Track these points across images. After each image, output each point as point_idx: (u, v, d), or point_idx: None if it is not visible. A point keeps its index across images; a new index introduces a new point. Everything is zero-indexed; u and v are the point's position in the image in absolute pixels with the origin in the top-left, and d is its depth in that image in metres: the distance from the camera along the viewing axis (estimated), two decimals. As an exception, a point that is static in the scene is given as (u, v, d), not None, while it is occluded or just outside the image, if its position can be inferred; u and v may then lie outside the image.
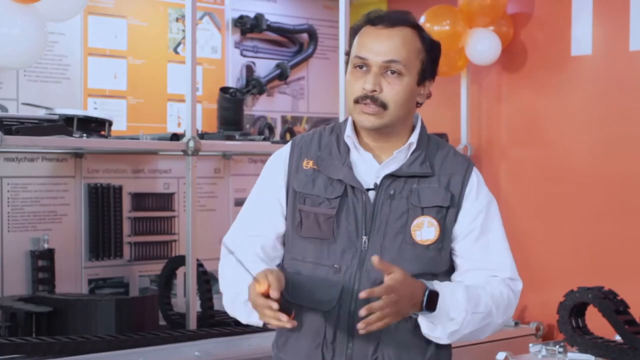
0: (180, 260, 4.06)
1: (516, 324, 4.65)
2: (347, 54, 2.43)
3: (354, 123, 2.42)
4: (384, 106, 2.33)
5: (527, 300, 4.81)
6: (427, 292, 2.24)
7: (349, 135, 2.40)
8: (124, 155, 4.30)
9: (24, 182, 4.00)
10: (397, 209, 2.34)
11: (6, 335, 3.53)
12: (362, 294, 2.15)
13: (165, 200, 4.42)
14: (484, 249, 2.41)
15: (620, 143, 4.50)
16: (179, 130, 4.31)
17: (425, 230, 2.35)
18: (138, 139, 4.07)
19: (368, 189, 2.35)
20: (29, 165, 4.02)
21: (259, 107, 4.97)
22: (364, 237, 2.33)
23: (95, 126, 3.94)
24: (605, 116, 4.57)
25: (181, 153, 3.97)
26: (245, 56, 4.94)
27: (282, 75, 5.03)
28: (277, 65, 5.02)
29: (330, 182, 2.36)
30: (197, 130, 4.08)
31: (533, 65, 4.86)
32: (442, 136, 4.93)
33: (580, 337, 3.77)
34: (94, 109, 4.32)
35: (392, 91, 2.33)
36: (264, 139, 4.45)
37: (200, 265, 3.95)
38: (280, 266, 2.42)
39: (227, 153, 4.63)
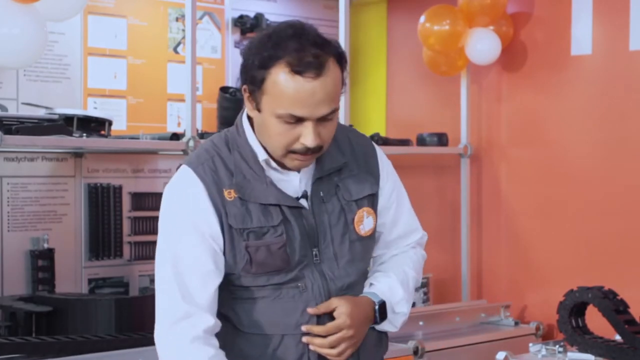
0: (180, 260, 4.05)
1: (516, 323, 4.65)
2: (252, 84, 2.16)
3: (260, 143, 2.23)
4: (321, 148, 2.20)
5: (527, 300, 4.82)
6: (377, 307, 2.30)
7: (265, 159, 2.23)
8: (124, 155, 4.30)
9: (24, 182, 4.00)
10: (332, 210, 2.29)
11: (6, 335, 3.52)
12: (304, 328, 2.23)
13: (165, 200, 4.41)
14: (399, 221, 2.45)
15: (620, 143, 4.50)
16: (179, 130, 4.30)
17: (365, 221, 2.33)
18: (138, 138, 4.07)
19: (298, 199, 2.26)
20: (29, 165, 4.02)
21: (258, 107, 4.96)
22: (314, 250, 2.26)
23: (95, 126, 3.94)
24: (605, 116, 4.57)
25: (181, 153, 3.97)
26: (245, 56, 4.93)
27: (281, 75, 5.01)
28: (277, 65, 5.01)
29: (264, 208, 2.20)
30: (197, 130, 4.08)
31: (533, 64, 4.86)
32: (442, 136, 4.93)
33: (580, 336, 3.77)
34: (94, 109, 4.32)
35: (329, 133, 2.19)
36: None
37: (200, 265, 3.94)
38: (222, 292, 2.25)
39: (227, 152, 4.62)
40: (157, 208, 4.42)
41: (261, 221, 2.20)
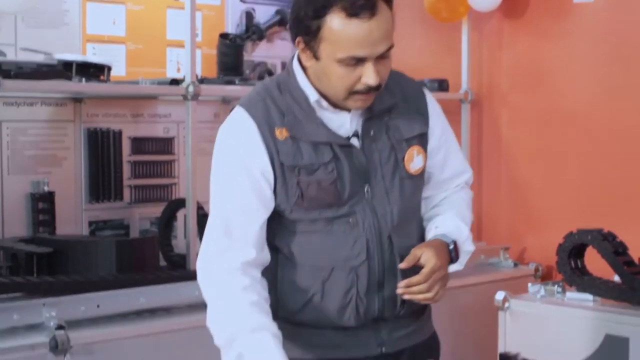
0: (180, 203, 4.06)
1: (515, 265, 4.67)
2: (307, 34, 2.21)
3: (312, 84, 2.29)
4: (379, 87, 2.26)
5: (527, 242, 4.83)
6: (451, 248, 2.36)
7: (317, 100, 2.29)
8: (124, 100, 4.29)
9: (24, 127, 3.99)
10: (383, 148, 2.34)
11: (7, 275, 3.54)
12: (402, 284, 2.30)
13: (165, 144, 4.41)
14: (449, 161, 2.51)
15: (621, 89, 4.49)
16: (179, 76, 4.29)
17: (415, 159, 2.38)
18: (137, 84, 4.06)
19: (349, 138, 2.31)
20: (28, 109, 4.01)
21: (258, 52, 4.96)
22: (366, 186, 2.32)
23: (94, 71, 3.93)
24: (606, 62, 4.55)
25: (181, 98, 3.96)
26: (245, 2, 4.92)
27: (282, 22, 5.01)
28: (277, 12, 5.00)
29: (314, 146, 2.27)
30: (197, 76, 4.06)
31: (535, 11, 4.84)
32: (443, 82, 4.93)
33: (579, 277, 3.78)
34: (93, 55, 4.31)
35: (386, 71, 2.27)
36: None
37: (200, 207, 3.95)
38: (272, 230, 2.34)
39: (227, 98, 4.62)
40: (157, 152, 4.48)
41: (312, 158, 2.26)
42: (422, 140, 2.40)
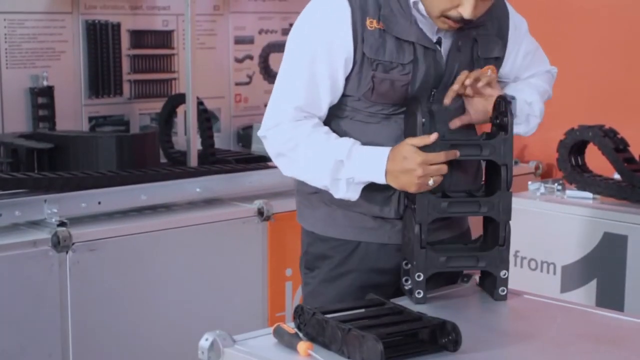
0: (181, 98, 4.04)
1: (515, 162, 4.67)
2: None
3: None
4: (471, 22, 2.30)
5: (527, 139, 4.80)
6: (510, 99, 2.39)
7: (415, 2, 2.31)
8: (122, -9, 4.23)
9: (21, 18, 3.93)
10: (463, 61, 2.38)
11: (8, 171, 3.54)
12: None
13: (164, 38, 4.35)
14: (532, 61, 2.63)
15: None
16: (178, -36, 4.21)
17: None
18: (136, -26, 3.99)
19: (437, 43, 2.35)
20: (25, 0, 3.95)
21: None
22: (434, 91, 2.36)
23: (91, -38, 3.86)
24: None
25: (180, -11, 3.90)
26: None
27: None
28: None
29: (399, 44, 2.30)
30: (196, -32, 3.99)
31: None
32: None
33: (579, 174, 3.79)
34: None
35: (484, 9, 2.29)
36: None
37: (200, 103, 3.93)
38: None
39: (227, -11, 4.55)
40: (157, 46, 4.43)
41: (393, 56, 2.30)
42: (497, 62, 2.46)
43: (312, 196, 2.48)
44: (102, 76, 4.12)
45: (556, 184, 3.89)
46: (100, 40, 4.12)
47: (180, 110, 4.11)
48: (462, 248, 2.44)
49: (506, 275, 2.34)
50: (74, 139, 3.69)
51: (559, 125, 3.95)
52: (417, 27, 2.31)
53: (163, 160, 4.03)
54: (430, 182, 2.24)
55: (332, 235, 2.47)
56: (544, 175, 4.62)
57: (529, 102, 2.49)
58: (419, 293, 2.31)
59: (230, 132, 4.59)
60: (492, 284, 2.37)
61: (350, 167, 2.29)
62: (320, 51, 2.31)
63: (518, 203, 3.78)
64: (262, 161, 3.97)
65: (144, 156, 3.73)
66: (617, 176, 3.75)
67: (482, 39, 2.40)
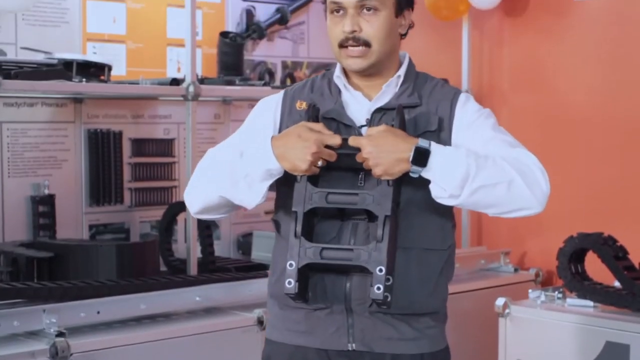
0: (181, 206, 4.04)
1: (516, 270, 4.67)
2: (324, 1, 2.44)
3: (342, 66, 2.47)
4: (367, 44, 2.37)
5: (527, 246, 4.83)
6: (414, 148, 2.25)
7: (338, 76, 2.45)
8: (124, 101, 4.28)
9: (24, 128, 3.98)
10: None
11: (8, 280, 3.53)
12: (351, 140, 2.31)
13: (165, 146, 4.40)
14: (484, 146, 2.39)
15: (622, 87, 4.49)
16: (179, 75, 4.27)
17: None
18: (138, 83, 4.04)
19: (361, 126, 2.39)
20: (28, 110, 4.00)
21: (259, 52, 4.94)
22: (361, 173, 2.34)
23: (94, 71, 3.92)
24: (606, 61, 4.55)
25: (181, 98, 3.95)
26: (245, 0, 4.89)
27: (282, 20, 4.99)
28: (277, 10, 4.98)
29: (324, 121, 2.38)
30: (197, 75, 4.05)
31: (535, 9, 4.82)
32: (443, 81, 4.90)
33: (579, 282, 3.79)
34: (93, 54, 4.29)
35: (372, 28, 2.37)
36: (264, 84, 4.43)
37: (200, 211, 3.94)
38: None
39: (227, 98, 4.61)
40: (158, 154, 4.49)
41: None
42: (431, 137, 2.35)
43: (269, 300, 2.52)
44: (103, 184, 4.15)
45: (556, 292, 3.88)
46: (102, 148, 4.16)
47: (180, 218, 4.13)
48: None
49: (383, 272, 2.20)
50: (74, 248, 3.70)
51: (558, 232, 3.96)
52: (341, 107, 2.41)
53: (163, 268, 4.02)
54: (320, 162, 2.28)
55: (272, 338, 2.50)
56: (544, 282, 4.61)
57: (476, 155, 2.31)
58: (289, 282, 2.26)
59: (230, 240, 4.60)
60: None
61: (243, 164, 2.33)
62: (248, 130, 2.51)
63: (519, 311, 3.81)
64: (262, 269, 3.97)
65: (143, 265, 3.74)
66: (617, 284, 3.75)
67: (413, 119, 2.39)
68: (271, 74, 4.90)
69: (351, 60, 2.39)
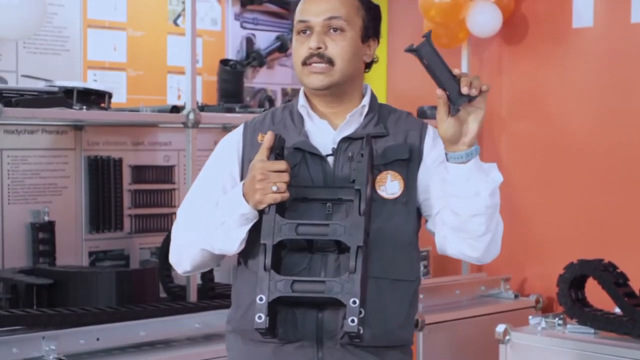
0: (181, 233, 4.05)
1: (516, 296, 4.67)
2: (291, 24, 2.45)
3: (305, 94, 2.45)
4: (330, 62, 2.36)
5: (527, 272, 4.83)
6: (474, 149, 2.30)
7: (302, 105, 2.43)
8: (124, 128, 4.29)
9: (24, 155, 3.99)
10: (359, 167, 2.29)
11: (7, 307, 3.53)
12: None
13: (165, 173, 4.41)
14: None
15: (620, 115, 4.50)
16: (179, 103, 4.29)
17: (389, 184, 2.35)
18: (138, 111, 4.06)
19: (327, 155, 2.36)
20: (28, 137, 4.01)
21: (259, 79, 4.96)
22: (328, 204, 2.31)
23: (95, 98, 3.93)
24: (606, 88, 4.56)
25: (181, 125, 3.96)
26: (245, 28, 4.92)
27: (282, 48, 5.02)
28: (277, 38, 5.01)
29: (288, 152, 2.34)
30: (197, 103, 4.07)
31: (534, 37, 4.85)
32: (443, 109, 4.92)
33: (579, 309, 3.78)
34: (94, 81, 4.31)
35: (337, 47, 2.36)
36: (264, 112, 4.44)
37: (200, 237, 3.94)
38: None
39: (227, 125, 4.61)
40: (158, 181, 4.48)
41: None
42: (401, 167, 2.36)
43: (230, 335, 2.46)
44: (103, 211, 4.16)
45: (557, 319, 3.87)
46: (102, 175, 4.17)
47: (180, 244, 4.12)
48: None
49: (357, 304, 2.13)
50: (74, 275, 3.69)
51: (558, 258, 3.97)
52: (305, 137, 2.38)
53: (163, 294, 4.02)
54: (274, 187, 2.21)
55: None
56: (545, 309, 4.60)
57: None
58: (259, 317, 2.16)
59: (229, 266, 4.59)
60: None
61: (219, 213, 2.30)
62: (214, 170, 2.46)
63: (519, 338, 3.80)
64: (261, 295, 3.95)
65: (143, 291, 3.74)
66: (617, 310, 3.74)
67: (380, 148, 2.37)
68: (271, 101, 4.93)
69: (314, 76, 2.37)
